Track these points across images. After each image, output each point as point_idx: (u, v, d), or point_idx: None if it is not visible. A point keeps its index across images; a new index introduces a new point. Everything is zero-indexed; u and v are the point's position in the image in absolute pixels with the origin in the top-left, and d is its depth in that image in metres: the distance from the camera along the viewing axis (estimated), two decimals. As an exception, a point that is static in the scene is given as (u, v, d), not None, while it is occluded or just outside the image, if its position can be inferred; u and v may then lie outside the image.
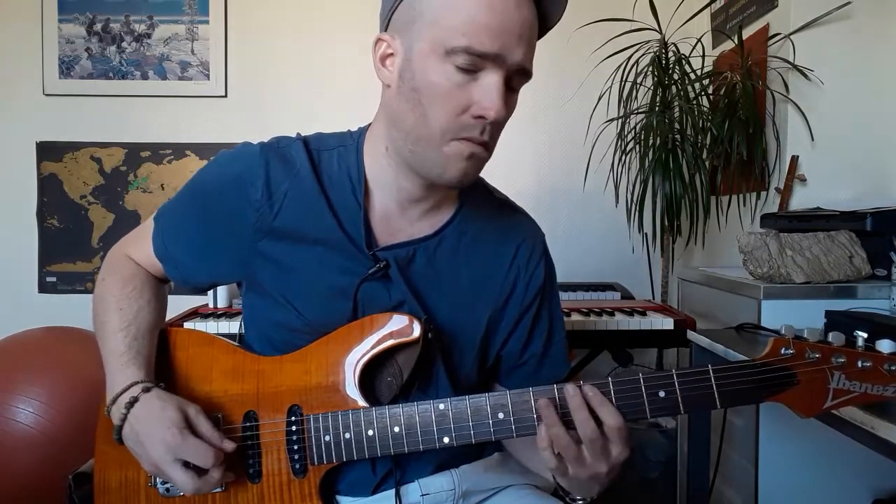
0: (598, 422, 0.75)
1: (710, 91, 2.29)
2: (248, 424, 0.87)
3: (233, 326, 1.77)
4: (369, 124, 0.92)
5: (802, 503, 1.56)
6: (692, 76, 2.25)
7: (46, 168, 2.71)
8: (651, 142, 2.24)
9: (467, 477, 0.94)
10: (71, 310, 2.57)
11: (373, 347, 0.85)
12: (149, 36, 2.70)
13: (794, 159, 1.99)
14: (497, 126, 0.79)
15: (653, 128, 2.23)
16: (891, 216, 1.57)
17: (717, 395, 0.75)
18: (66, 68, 2.69)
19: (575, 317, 1.83)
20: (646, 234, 2.34)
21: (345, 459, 0.84)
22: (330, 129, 0.95)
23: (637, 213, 2.28)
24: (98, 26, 2.69)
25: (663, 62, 2.25)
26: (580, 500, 0.85)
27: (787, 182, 1.99)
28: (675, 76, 2.24)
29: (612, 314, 1.86)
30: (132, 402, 0.82)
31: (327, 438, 0.84)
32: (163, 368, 0.91)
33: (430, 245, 0.91)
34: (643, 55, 2.27)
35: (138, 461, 0.83)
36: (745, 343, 1.39)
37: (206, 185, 0.92)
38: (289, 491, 0.86)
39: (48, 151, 2.70)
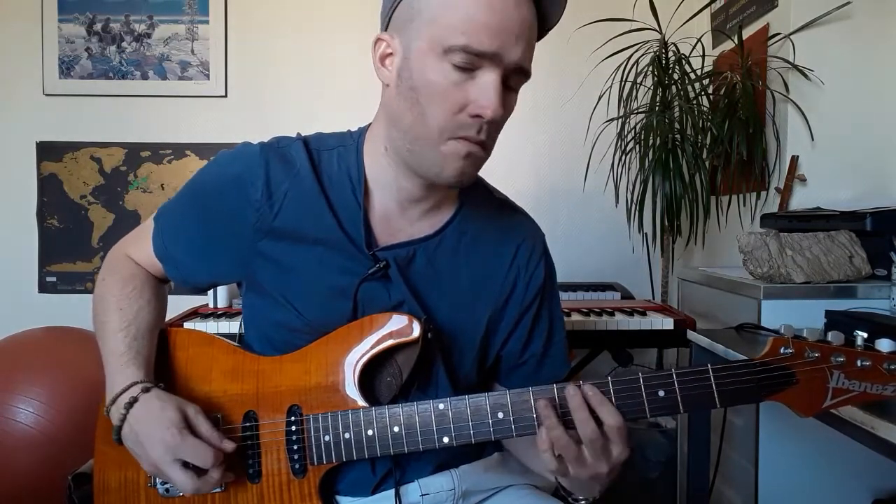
0: (598, 422, 0.75)
1: (710, 91, 2.29)
2: (247, 424, 0.87)
3: (233, 326, 1.77)
4: (369, 124, 0.92)
5: (802, 503, 1.56)
6: (692, 76, 2.25)
7: (46, 168, 2.71)
8: (651, 142, 2.24)
9: (467, 477, 0.94)
10: (71, 310, 2.57)
11: (372, 347, 0.85)
12: (149, 36, 2.70)
13: (794, 159, 1.99)
14: (495, 125, 0.79)
15: (653, 128, 2.23)
16: (891, 216, 1.57)
17: (716, 395, 0.75)
18: (66, 68, 2.69)
19: (575, 317, 1.83)
20: (646, 234, 2.34)
21: (344, 459, 0.84)
22: (330, 129, 0.95)
23: (637, 213, 2.28)
24: (98, 26, 2.69)
25: (663, 62, 2.25)
26: (582, 500, 0.85)
27: (787, 182, 1.99)
28: (675, 76, 2.24)
29: (612, 314, 1.86)
30: (131, 402, 0.82)
31: (327, 438, 0.84)
32: (163, 368, 0.91)
33: (430, 245, 0.91)
34: (643, 55, 2.27)
35: (138, 461, 0.83)
36: (745, 343, 1.39)
37: (206, 185, 0.92)
38: (288, 491, 0.86)
39: (48, 151, 2.70)
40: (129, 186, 2.72)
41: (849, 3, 1.92)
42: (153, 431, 0.80)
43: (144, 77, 2.70)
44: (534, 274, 0.96)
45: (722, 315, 1.73)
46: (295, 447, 0.85)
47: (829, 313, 1.32)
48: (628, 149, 2.32)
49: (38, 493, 1.88)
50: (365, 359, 0.85)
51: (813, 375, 0.74)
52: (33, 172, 2.71)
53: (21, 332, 2.22)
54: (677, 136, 2.24)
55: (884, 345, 0.73)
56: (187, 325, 1.78)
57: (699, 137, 2.25)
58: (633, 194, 2.31)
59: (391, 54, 0.82)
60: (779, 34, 2.04)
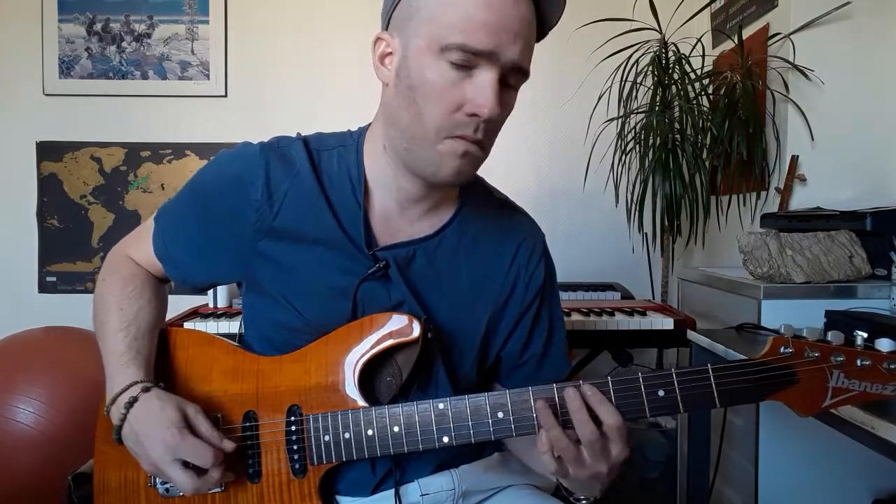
0: (598, 422, 0.75)
1: (710, 91, 2.29)
2: (247, 424, 0.87)
3: (233, 326, 1.77)
4: (369, 124, 0.92)
5: (802, 503, 1.56)
6: (692, 76, 2.25)
7: (46, 168, 2.71)
8: (651, 142, 2.24)
9: (467, 477, 0.94)
10: (71, 310, 2.56)
11: (372, 347, 0.85)
12: (149, 36, 2.70)
13: (794, 159, 1.99)
14: (493, 125, 0.79)
15: (653, 128, 2.23)
16: (891, 216, 1.57)
17: (716, 395, 0.75)
18: (66, 68, 2.69)
19: (575, 317, 1.83)
20: (646, 234, 2.34)
21: (344, 459, 0.84)
22: (330, 129, 0.95)
23: (637, 213, 2.28)
24: (98, 26, 2.69)
25: (663, 62, 2.25)
26: (583, 499, 0.85)
27: (787, 182, 1.99)
28: (675, 76, 2.24)
29: (612, 314, 1.86)
30: (131, 401, 0.82)
31: (327, 438, 0.84)
32: (163, 368, 0.91)
33: (430, 245, 0.91)
34: (643, 55, 2.27)
35: (138, 461, 0.83)
36: (745, 343, 1.39)
37: (206, 185, 0.92)
38: (288, 491, 0.86)
39: (48, 151, 2.70)
40: (129, 186, 2.72)
41: (849, 3, 1.92)
42: (153, 431, 0.80)
43: (144, 77, 2.70)
44: (534, 274, 0.96)
45: (722, 315, 1.73)
46: (295, 447, 0.85)
47: (829, 313, 1.32)
48: (628, 149, 2.32)
49: (38, 493, 1.88)
50: (365, 359, 0.85)
51: (813, 375, 0.74)
52: (33, 172, 2.71)
53: (21, 332, 2.22)
54: (677, 136, 2.24)
55: (883, 344, 0.73)
56: (187, 325, 1.78)
57: (699, 137, 2.25)
58: (633, 194, 2.31)
59: (390, 53, 0.82)
60: (779, 34, 2.04)
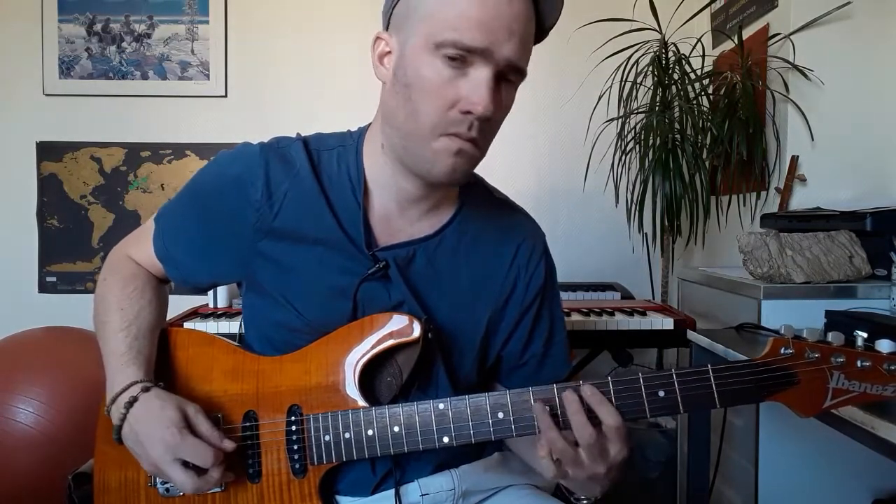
0: (597, 422, 0.75)
1: (710, 91, 2.29)
2: (247, 424, 0.87)
3: (233, 326, 1.77)
4: (369, 124, 0.92)
5: (802, 503, 1.56)
6: (692, 76, 2.25)
7: (46, 168, 2.71)
8: (651, 142, 2.24)
9: (467, 477, 0.94)
10: (71, 310, 2.56)
11: (373, 347, 0.85)
12: (149, 36, 2.70)
13: (794, 159, 1.99)
14: (488, 123, 0.79)
15: (653, 128, 2.23)
16: (891, 216, 1.57)
17: (716, 395, 0.75)
18: (66, 68, 2.69)
19: (575, 317, 1.83)
20: (646, 234, 2.34)
21: (344, 459, 0.84)
22: (330, 129, 0.95)
23: (637, 213, 2.28)
24: (98, 26, 2.69)
25: (663, 62, 2.25)
26: (584, 499, 0.85)
27: (787, 182, 1.99)
28: (675, 76, 2.24)
29: (612, 314, 1.86)
30: (131, 401, 0.82)
31: (327, 438, 0.84)
32: (163, 368, 0.91)
33: (430, 245, 0.91)
34: (643, 55, 2.27)
35: (138, 461, 0.83)
36: (745, 343, 1.39)
37: (206, 186, 0.92)
38: (288, 491, 0.86)
39: (48, 151, 2.70)
40: (129, 186, 2.72)
41: (849, 3, 1.92)
42: (153, 431, 0.80)
43: (144, 77, 2.70)
44: (534, 274, 0.96)
45: (722, 315, 1.73)
46: (295, 447, 0.85)
47: (829, 313, 1.32)
48: (628, 149, 2.32)
49: (38, 493, 1.88)
50: (365, 359, 0.85)
51: (813, 376, 0.74)
52: (33, 172, 2.71)
53: (21, 332, 2.22)
54: (677, 136, 2.24)
55: (884, 345, 0.73)
56: (187, 325, 1.78)
57: (699, 137, 2.25)
58: (633, 194, 2.31)
59: (389, 53, 0.82)
60: (779, 34, 2.04)
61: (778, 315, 1.50)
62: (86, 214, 2.72)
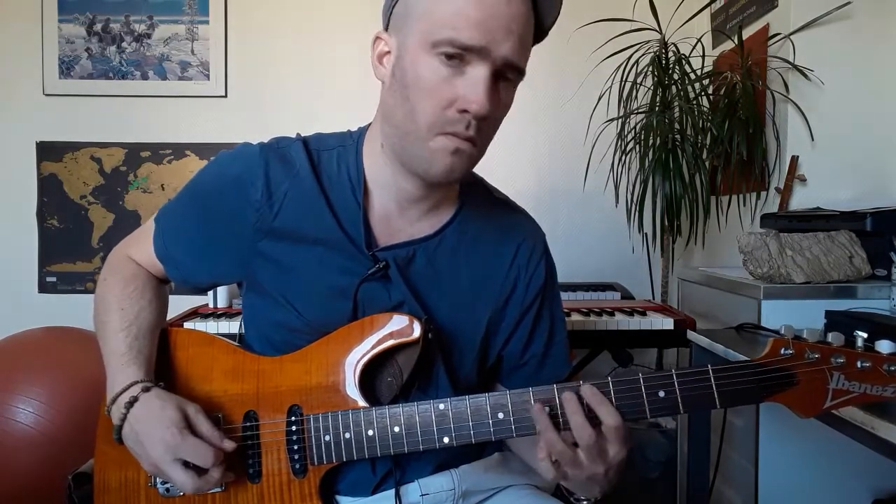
0: (597, 422, 0.75)
1: (710, 91, 2.29)
2: (248, 424, 0.87)
3: (233, 326, 1.77)
4: (369, 124, 0.92)
5: (802, 503, 1.56)
6: (692, 76, 2.25)
7: (46, 168, 2.71)
8: (651, 142, 2.24)
9: (467, 477, 0.94)
10: (71, 310, 2.56)
11: (373, 348, 0.85)
12: (149, 36, 2.70)
13: (794, 159, 1.99)
14: (486, 122, 0.78)
15: (653, 128, 2.23)
16: (891, 216, 1.57)
17: (716, 395, 0.75)
18: (66, 68, 2.69)
19: (575, 317, 1.83)
20: (646, 234, 2.34)
21: (345, 459, 0.84)
22: (330, 129, 0.95)
23: (637, 213, 2.28)
24: (98, 26, 2.69)
25: (663, 62, 2.25)
26: (584, 500, 0.85)
27: (787, 182, 1.99)
28: (675, 76, 2.24)
29: (612, 314, 1.86)
30: (132, 401, 0.82)
31: (327, 438, 0.84)
32: (163, 368, 0.91)
33: (430, 245, 0.91)
34: (643, 55, 2.27)
35: (138, 461, 0.83)
36: (745, 343, 1.39)
37: (206, 186, 0.92)
38: (289, 491, 0.86)
39: (48, 151, 2.70)
40: (129, 186, 2.72)
41: (849, 3, 1.92)
42: (153, 431, 0.80)
43: (144, 77, 2.70)
44: (534, 274, 0.96)
45: (722, 315, 1.73)
46: (295, 447, 0.85)
47: (829, 313, 1.32)
48: (628, 149, 2.32)
49: (38, 493, 1.88)
50: (365, 359, 0.85)
51: (813, 377, 0.74)
52: (33, 172, 2.71)
53: (21, 332, 2.22)
54: (677, 136, 2.24)
55: (884, 346, 0.73)
56: (187, 325, 1.78)
57: (699, 137, 2.25)
58: (633, 194, 2.31)
59: (388, 52, 0.82)
60: (779, 34, 2.04)
61: (778, 315, 1.50)
62: (86, 214, 2.72)
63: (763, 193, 2.13)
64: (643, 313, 1.88)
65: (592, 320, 1.81)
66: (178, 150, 2.71)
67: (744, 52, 2.09)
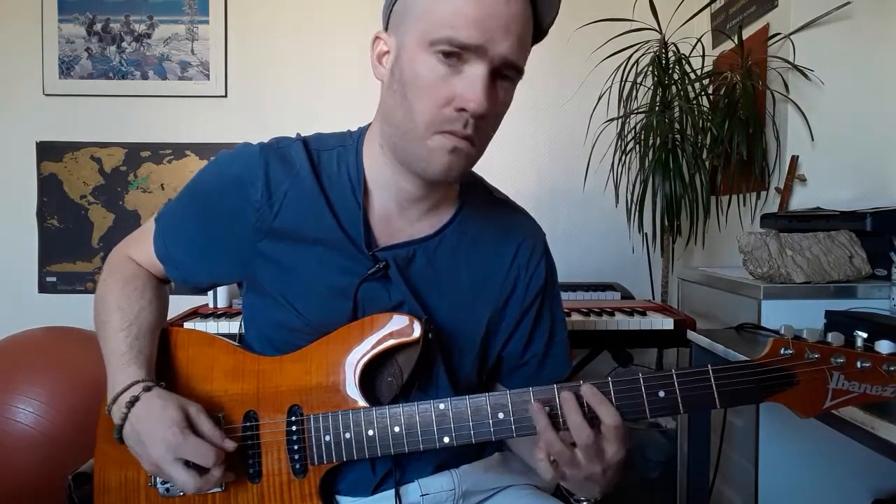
0: (596, 421, 0.75)
1: (710, 91, 2.29)
2: (248, 424, 0.87)
3: (233, 326, 1.77)
4: (369, 124, 0.92)
5: (802, 503, 1.56)
6: (692, 76, 2.25)
7: (46, 168, 2.71)
8: (651, 142, 2.24)
9: (467, 477, 0.94)
10: (71, 310, 2.56)
11: (373, 347, 0.85)
12: (149, 36, 2.70)
13: (794, 159, 1.99)
14: (484, 121, 0.78)
15: (653, 128, 2.23)
16: (891, 216, 1.57)
17: (716, 395, 0.75)
18: (66, 68, 2.69)
19: (575, 317, 1.83)
20: (646, 234, 2.34)
21: (345, 459, 0.84)
22: (330, 129, 0.95)
23: (637, 213, 2.28)
24: (98, 26, 2.69)
25: (663, 62, 2.25)
26: (583, 500, 0.85)
27: (787, 182, 1.99)
28: (675, 76, 2.24)
29: (612, 314, 1.86)
30: (133, 401, 0.82)
31: (327, 438, 0.84)
32: (163, 368, 0.91)
33: (430, 245, 0.91)
34: (643, 55, 2.27)
35: (138, 461, 0.83)
36: (745, 343, 1.39)
37: (206, 186, 0.92)
38: (289, 491, 0.86)
39: (48, 151, 2.70)
40: (129, 186, 2.72)
41: (849, 3, 1.92)
42: (154, 431, 0.80)
43: (144, 77, 2.70)
44: (534, 274, 0.96)
45: (722, 315, 1.73)
46: (295, 447, 0.85)
47: (829, 313, 1.32)
48: (628, 149, 2.32)
49: (38, 493, 1.88)
50: (366, 359, 0.85)
51: (813, 377, 0.74)
52: (33, 172, 2.71)
53: (21, 332, 2.22)
54: (677, 136, 2.24)
55: (883, 346, 0.73)
56: (187, 325, 1.78)
57: (699, 137, 2.25)
58: (633, 194, 2.31)
59: (387, 52, 0.82)
60: (779, 34, 2.04)
61: (778, 315, 1.50)
62: (86, 214, 2.72)
63: (763, 193, 2.13)
64: (643, 313, 1.88)
65: (592, 320, 1.81)
66: (178, 150, 2.71)
67: (744, 52, 2.09)
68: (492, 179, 1.02)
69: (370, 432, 0.82)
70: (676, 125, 2.25)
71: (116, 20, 2.69)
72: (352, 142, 0.91)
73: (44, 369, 2.03)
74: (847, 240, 1.57)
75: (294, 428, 0.86)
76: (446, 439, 0.80)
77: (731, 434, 1.70)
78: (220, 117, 2.71)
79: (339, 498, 0.91)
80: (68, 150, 2.70)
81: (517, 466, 1.00)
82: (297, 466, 0.85)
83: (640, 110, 2.32)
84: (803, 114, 1.98)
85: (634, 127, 2.32)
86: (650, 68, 2.26)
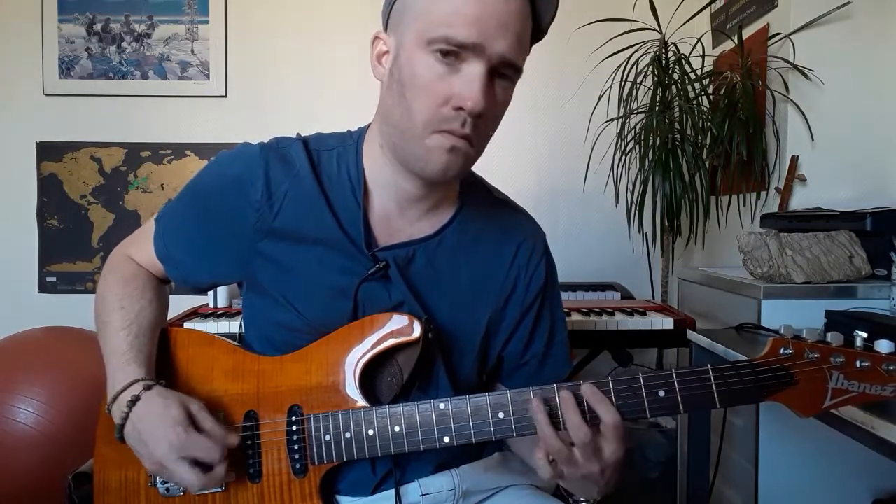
0: (595, 420, 0.75)
1: (710, 91, 2.29)
2: (248, 424, 0.87)
3: (233, 326, 1.77)
4: (369, 124, 0.92)
5: (802, 503, 1.56)
6: (692, 76, 2.25)
7: (46, 168, 2.71)
8: (651, 142, 2.24)
9: (467, 477, 0.94)
10: (71, 310, 2.56)
11: (373, 347, 0.85)
12: (149, 36, 2.70)
13: (794, 159, 2.00)
14: (482, 120, 0.78)
15: (653, 128, 2.23)
16: (891, 216, 1.57)
17: (716, 395, 0.75)
18: (66, 68, 2.69)
19: (575, 317, 1.83)
20: (646, 234, 2.34)
21: (345, 459, 0.84)
22: (330, 129, 0.95)
23: (637, 213, 2.28)
24: (98, 26, 2.69)
25: (663, 62, 2.25)
26: (582, 500, 0.85)
27: (787, 182, 1.99)
28: (675, 76, 2.24)
29: (612, 314, 1.86)
30: (134, 400, 0.82)
31: (328, 438, 0.84)
32: (163, 368, 0.91)
33: (430, 245, 0.91)
34: (643, 55, 2.27)
35: (140, 460, 0.83)
36: (745, 343, 1.39)
37: (206, 186, 0.92)
38: (289, 491, 0.86)
39: (48, 151, 2.70)
40: (129, 186, 2.72)
41: (849, 3, 1.92)
42: (157, 430, 0.80)
43: (144, 77, 2.70)
44: (534, 274, 0.96)
45: (722, 315, 1.73)
46: (296, 447, 0.85)
47: (829, 313, 1.32)
48: (628, 149, 2.32)
49: (38, 493, 1.88)
50: (366, 359, 0.85)
51: (812, 376, 0.74)
52: (33, 172, 2.71)
53: (21, 332, 2.22)
54: (677, 136, 2.24)
55: (883, 346, 0.73)
56: (187, 324, 1.78)
57: (699, 137, 2.25)
58: (633, 194, 2.31)
59: (387, 52, 0.82)
60: (779, 34, 2.04)
61: (778, 315, 1.50)
62: (86, 214, 2.72)
63: (763, 193, 2.13)
64: (643, 313, 1.88)
65: (592, 320, 1.81)
66: (178, 150, 2.71)
67: (744, 52, 2.09)
68: (492, 179, 1.02)
69: (370, 432, 0.83)
70: (676, 125, 2.25)
71: (116, 20, 2.69)
72: (352, 142, 0.91)
73: (44, 369, 2.03)
74: (847, 240, 1.57)
75: (294, 428, 0.86)
76: (446, 439, 0.80)
77: (731, 434, 1.70)
78: (220, 117, 2.71)
79: (340, 498, 0.91)
80: (68, 150, 2.70)
81: (517, 466, 1.00)
82: (298, 466, 0.85)
83: (640, 110, 2.32)
84: (803, 114, 1.98)
85: (634, 127, 2.32)
86: (650, 68, 2.26)
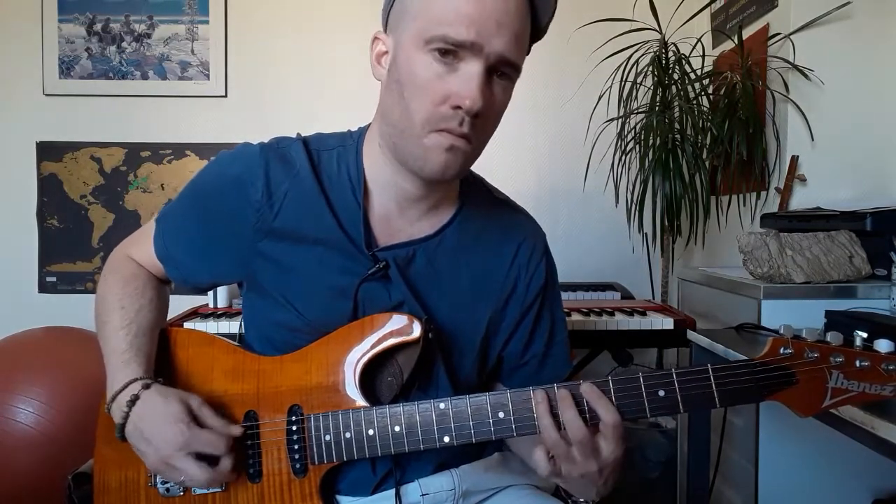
0: (595, 419, 0.75)
1: (710, 91, 2.29)
2: (248, 424, 0.87)
3: (233, 326, 1.77)
4: (369, 124, 0.92)
5: (802, 503, 1.56)
6: (692, 76, 2.25)
7: (46, 168, 2.71)
8: (651, 142, 2.24)
9: (467, 477, 0.94)
10: (71, 310, 2.56)
11: (373, 347, 0.85)
12: (149, 36, 2.70)
13: (794, 159, 2.00)
14: (480, 119, 0.78)
15: (653, 128, 2.23)
16: (891, 216, 1.57)
17: (716, 395, 0.75)
18: (66, 68, 2.69)
19: (575, 317, 1.83)
20: (646, 234, 2.34)
21: (345, 459, 0.84)
22: (330, 129, 0.95)
23: (637, 213, 2.28)
24: (98, 26, 2.69)
25: (663, 62, 2.25)
26: (582, 501, 0.85)
27: (787, 182, 1.99)
28: (675, 76, 2.24)
29: (612, 314, 1.86)
30: (133, 399, 0.82)
31: (328, 438, 0.84)
32: (163, 368, 0.91)
33: (431, 245, 0.91)
34: (643, 55, 2.27)
35: (142, 458, 0.83)
36: (744, 343, 1.39)
37: (206, 186, 0.92)
38: (289, 490, 0.86)
39: (48, 151, 2.70)
40: (129, 186, 2.72)
41: (849, 3, 1.92)
42: (159, 428, 0.80)
43: (144, 77, 2.70)
44: (534, 274, 0.96)
45: (722, 315, 1.73)
46: (296, 447, 0.85)
47: (829, 313, 1.33)
48: (628, 149, 2.32)
49: (38, 493, 1.88)
50: (366, 359, 0.85)
51: (812, 375, 0.74)
52: (33, 172, 2.71)
53: (21, 332, 2.22)
54: (677, 136, 2.24)
55: (882, 345, 0.73)
56: (187, 324, 1.78)
57: (699, 137, 2.25)
58: (633, 194, 2.31)
59: (386, 52, 0.83)
60: (779, 34, 2.04)
61: (778, 315, 1.50)
62: (86, 214, 2.72)
63: (763, 193, 2.13)
64: (643, 313, 1.88)
65: (592, 320, 1.81)
66: (178, 150, 2.71)
67: (744, 52, 2.09)
68: (492, 179, 1.02)
69: (370, 432, 0.83)
70: (676, 125, 2.25)
71: (116, 20, 2.69)
72: (352, 142, 0.91)
73: (44, 369, 2.03)
74: (847, 240, 1.57)
75: (294, 427, 0.86)
76: (446, 439, 0.80)
77: (731, 434, 1.70)
78: (220, 117, 2.71)
79: (340, 498, 0.91)
80: (68, 150, 2.70)
81: (517, 466, 1.00)
82: (298, 466, 0.85)
83: (640, 110, 2.32)
84: (803, 114, 1.98)
85: (634, 127, 2.32)
86: (650, 68, 2.26)
